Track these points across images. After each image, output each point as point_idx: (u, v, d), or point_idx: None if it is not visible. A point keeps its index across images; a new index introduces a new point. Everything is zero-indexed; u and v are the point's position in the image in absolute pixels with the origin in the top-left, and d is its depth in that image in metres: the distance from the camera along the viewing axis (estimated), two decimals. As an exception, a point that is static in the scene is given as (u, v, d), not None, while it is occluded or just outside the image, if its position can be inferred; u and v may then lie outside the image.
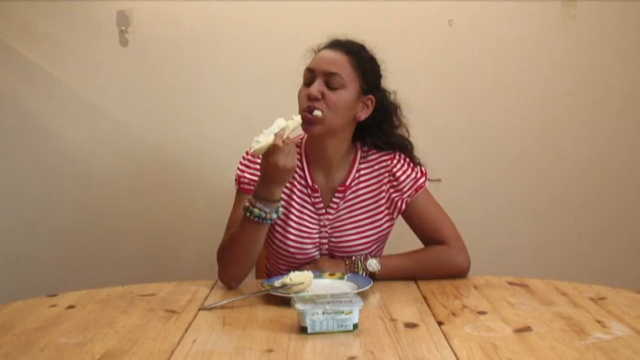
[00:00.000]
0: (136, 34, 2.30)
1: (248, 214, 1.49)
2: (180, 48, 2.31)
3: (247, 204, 1.50)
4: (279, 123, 1.47)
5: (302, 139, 1.71)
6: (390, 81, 2.35)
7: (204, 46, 2.31)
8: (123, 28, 2.29)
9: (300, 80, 1.64)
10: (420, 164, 1.73)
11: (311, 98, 1.57)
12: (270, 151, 1.44)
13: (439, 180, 1.76)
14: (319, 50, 1.66)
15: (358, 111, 1.64)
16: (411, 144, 1.75)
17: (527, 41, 2.34)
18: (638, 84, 2.37)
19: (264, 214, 1.49)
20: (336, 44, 1.64)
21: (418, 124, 2.32)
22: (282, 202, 1.57)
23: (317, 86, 1.57)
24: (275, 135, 1.44)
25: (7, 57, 2.29)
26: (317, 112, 1.55)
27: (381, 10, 2.30)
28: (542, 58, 2.34)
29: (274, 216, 1.50)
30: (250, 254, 1.54)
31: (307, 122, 1.56)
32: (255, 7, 2.29)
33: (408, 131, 1.75)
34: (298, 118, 1.52)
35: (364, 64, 1.63)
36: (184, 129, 2.34)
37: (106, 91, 2.33)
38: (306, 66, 1.63)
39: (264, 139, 1.44)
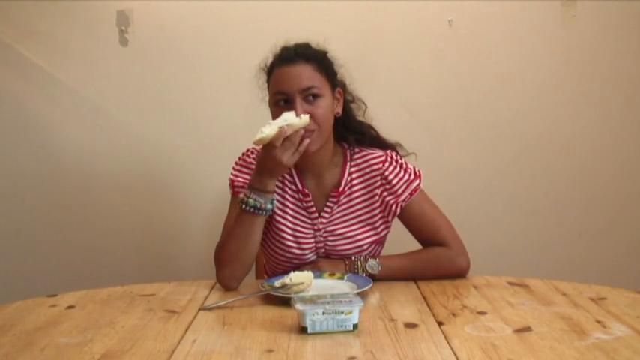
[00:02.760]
0: (136, 34, 2.30)
1: (243, 206, 1.52)
2: (180, 48, 2.31)
3: (242, 197, 1.53)
4: (287, 116, 1.48)
5: None
6: (390, 81, 2.36)
7: (204, 46, 2.31)
8: (123, 28, 2.29)
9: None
10: (391, 145, 1.73)
11: None
12: (270, 144, 1.47)
13: (414, 154, 1.76)
14: (272, 68, 1.63)
15: (335, 108, 1.65)
16: (373, 128, 1.75)
17: (527, 41, 2.34)
18: (638, 84, 2.37)
19: (259, 204, 1.51)
20: (291, 57, 1.60)
21: (418, 123, 2.34)
22: (276, 196, 1.60)
23: (300, 108, 1.55)
24: (279, 128, 1.46)
25: (7, 57, 2.29)
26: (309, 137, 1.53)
27: (381, 10, 2.30)
28: (542, 58, 2.34)
29: (269, 207, 1.53)
30: (247, 249, 1.55)
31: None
32: (255, 7, 2.29)
33: (364, 113, 1.76)
34: (306, 119, 1.50)
35: (324, 63, 1.63)
36: (184, 129, 2.34)
37: (105, 91, 2.33)
38: (274, 89, 1.59)
39: (268, 131, 1.46)
